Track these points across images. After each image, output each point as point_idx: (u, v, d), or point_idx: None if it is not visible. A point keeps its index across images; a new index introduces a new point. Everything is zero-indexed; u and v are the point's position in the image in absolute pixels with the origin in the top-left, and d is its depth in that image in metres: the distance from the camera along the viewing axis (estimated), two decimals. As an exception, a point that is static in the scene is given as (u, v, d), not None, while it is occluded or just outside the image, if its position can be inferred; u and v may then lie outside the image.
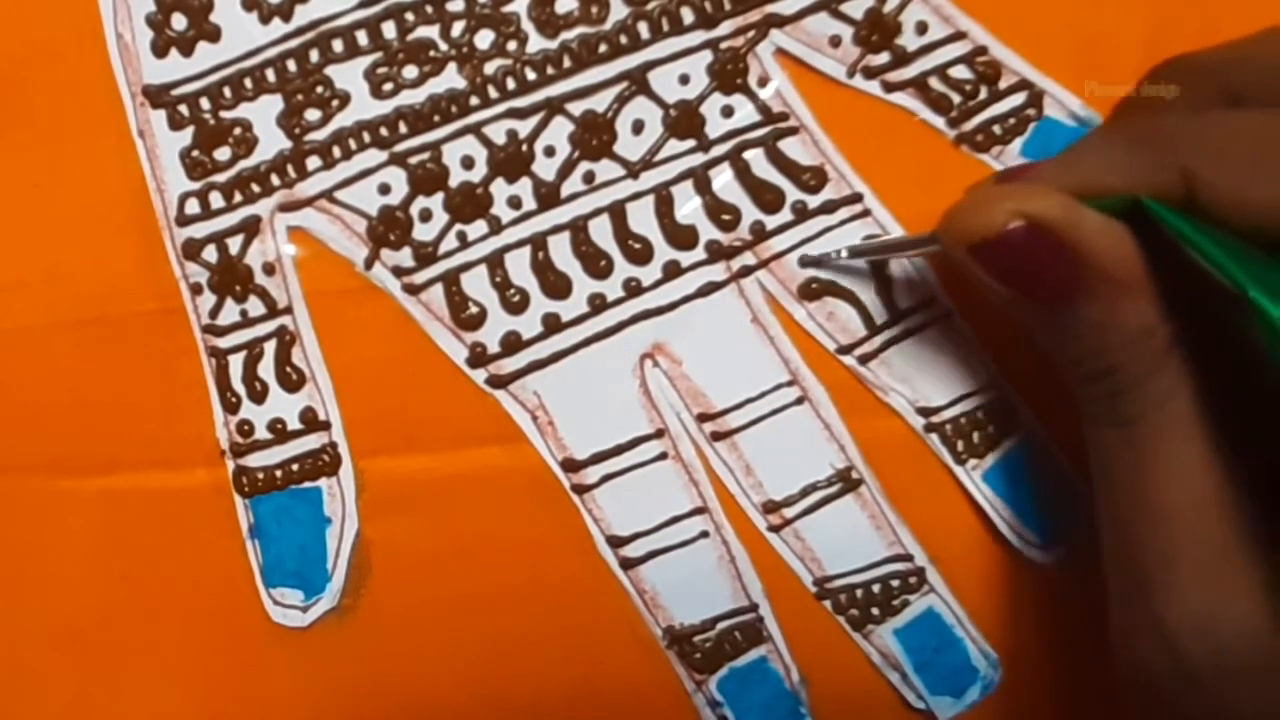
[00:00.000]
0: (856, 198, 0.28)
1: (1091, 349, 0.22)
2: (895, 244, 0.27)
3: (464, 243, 0.28)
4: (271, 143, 0.27)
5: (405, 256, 0.28)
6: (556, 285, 0.28)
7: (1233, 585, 0.21)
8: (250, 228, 0.28)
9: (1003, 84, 0.27)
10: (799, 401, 0.28)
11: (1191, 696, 0.22)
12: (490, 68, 0.27)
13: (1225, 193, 0.21)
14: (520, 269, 0.28)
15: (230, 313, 0.28)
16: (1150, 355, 0.22)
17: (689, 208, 0.28)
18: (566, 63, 0.27)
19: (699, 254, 0.28)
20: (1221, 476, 0.22)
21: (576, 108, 0.27)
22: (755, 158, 0.28)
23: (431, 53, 0.27)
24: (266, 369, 0.28)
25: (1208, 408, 0.22)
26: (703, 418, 0.28)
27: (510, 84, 0.27)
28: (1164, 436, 0.22)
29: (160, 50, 0.27)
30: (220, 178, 0.27)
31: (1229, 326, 0.20)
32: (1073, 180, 0.22)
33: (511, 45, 0.27)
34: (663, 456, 0.28)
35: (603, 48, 0.27)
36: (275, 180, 0.27)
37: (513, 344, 0.28)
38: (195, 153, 0.27)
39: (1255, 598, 0.21)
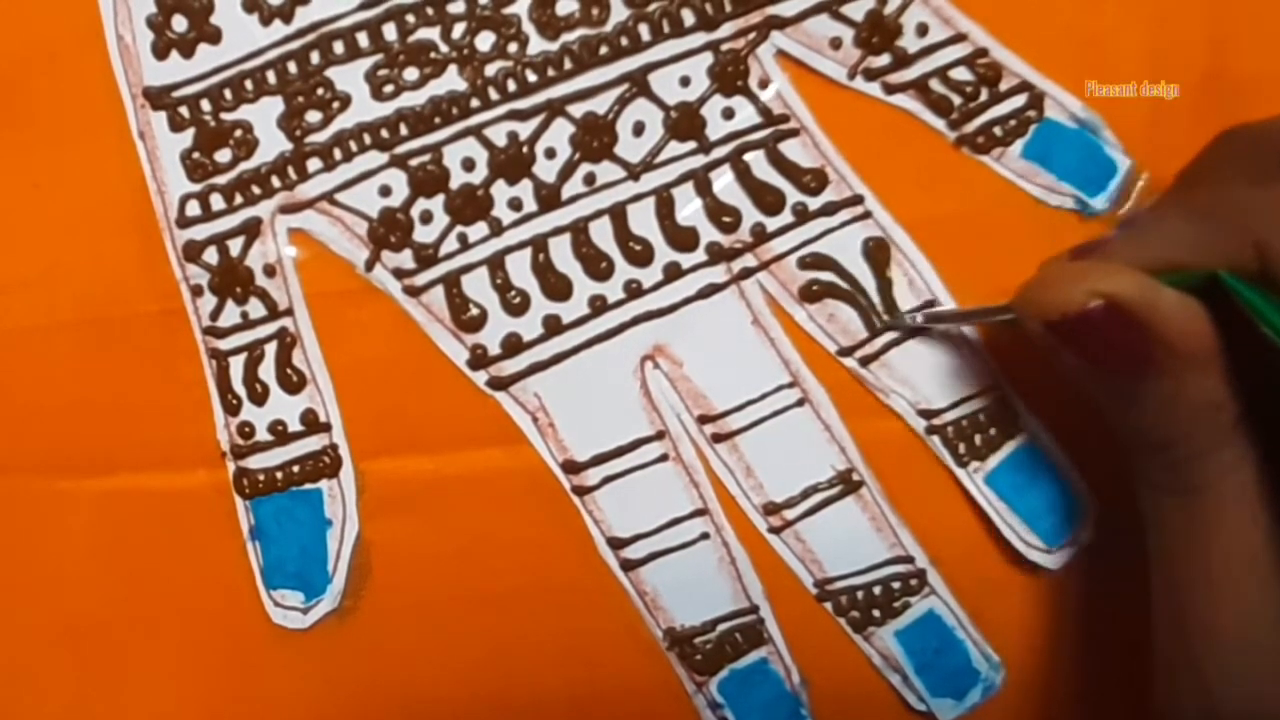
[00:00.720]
0: (857, 199, 0.28)
1: (1158, 421, 0.22)
2: (970, 313, 0.27)
3: (465, 244, 0.28)
4: (272, 144, 0.27)
5: (406, 258, 0.28)
6: (557, 287, 0.28)
7: None
8: (251, 229, 0.28)
9: (1003, 86, 0.27)
10: (800, 403, 0.28)
11: None
12: (491, 69, 0.27)
13: None
14: (521, 271, 0.28)
15: (231, 315, 0.28)
16: (1216, 430, 0.22)
17: (690, 209, 0.28)
18: (567, 65, 0.27)
19: (700, 256, 0.28)
20: None
21: (577, 110, 0.27)
22: (756, 160, 0.28)
23: (432, 54, 0.27)
24: (267, 371, 0.28)
25: (1271, 482, 0.22)
26: (703, 419, 0.28)
27: (511, 86, 0.27)
28: (1224, 509, 0.22)
29: (161, 52, 0.27)
30: (221, 179, 0.27)
31: None
32: (1147, 256, 0.22)
33: (512, 47, 0.27)
34: (663, 458, 0.28)
35: (603, 50, 0.27)
36: (276, 182, 0.27)
37: (513, 346, 0.28)
38: (196, 154, 0.27)
39: None
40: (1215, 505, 0.22)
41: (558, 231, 0.28)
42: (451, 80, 0.27)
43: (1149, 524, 0.24)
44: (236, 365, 0.28)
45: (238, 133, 0.27)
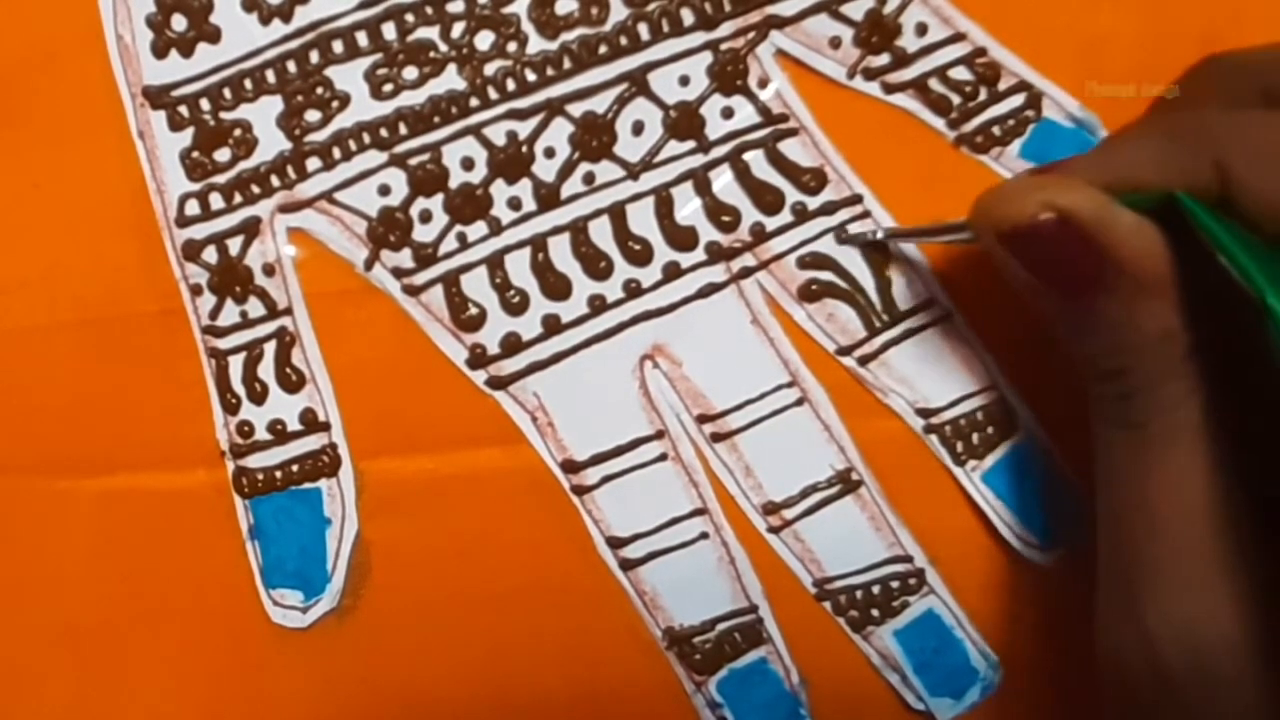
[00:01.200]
0: (856, 199, 0.28)
1: (1108, 347, 0.22)
2: (929, 230, 0.27)
3: (464, 244, 0.28)
4: (271, 144, 0.27)
5: (405, 258, 0.28)
6: (556, 286, 0.28)
7: (1216, 597, 0.21)
8: (250, 229, 0.28)
9: (1002, 85, 0.27)
10: (799, 403, 0.28)
11: (1166, 701, 0.22)
12: (490, 69, 0.27)
13: (1259, 192, 0.21)
14: (520, 270, 0.28)
15: (230, 314, 0.28)
16: (1166, 360, 0.22)
17: (689, 209, 0.28)
18: (566, 64, 0.27)
19: (699, 255, 0.28)
20: (1222, 488, 0.21)
21: (576, 109, 0.27)
22: (755, 159, 0.28)
23: (431, 54, 0.27)
24: (266, 370, 0.28)
25: (1219, 418, 0.22)
26: (702, 419, 0.28)
27: (510, 85, 0.27)
28: (1169, 443, 0.22)
29: (160, 51, 0.27)
30: (220, 179, 0.27)
31: (1253, 336, 0.20)
32: (1108, 174, 0.22)
33: (511, 46, 0.27)
34: (662, 458, 0.28)
35: (603, 49, 0.27)
36: (275, 181, 0.27)
37: (513, 345, 0.28)
38: (195, 154, 0.27)
39: (1236, 610, 0.21)
40: (1160, 440, 0.22)
41: (557, 231, 0.28)
42: (451, 79, 0.27)
43: (1097, 459, 0.23)
44: (236, 364, 0.28)
45: (237, 132, 0.27)
